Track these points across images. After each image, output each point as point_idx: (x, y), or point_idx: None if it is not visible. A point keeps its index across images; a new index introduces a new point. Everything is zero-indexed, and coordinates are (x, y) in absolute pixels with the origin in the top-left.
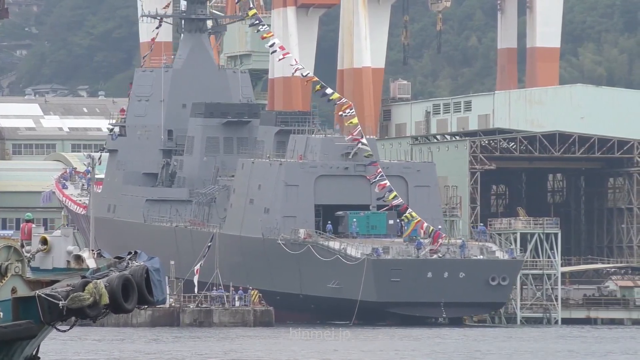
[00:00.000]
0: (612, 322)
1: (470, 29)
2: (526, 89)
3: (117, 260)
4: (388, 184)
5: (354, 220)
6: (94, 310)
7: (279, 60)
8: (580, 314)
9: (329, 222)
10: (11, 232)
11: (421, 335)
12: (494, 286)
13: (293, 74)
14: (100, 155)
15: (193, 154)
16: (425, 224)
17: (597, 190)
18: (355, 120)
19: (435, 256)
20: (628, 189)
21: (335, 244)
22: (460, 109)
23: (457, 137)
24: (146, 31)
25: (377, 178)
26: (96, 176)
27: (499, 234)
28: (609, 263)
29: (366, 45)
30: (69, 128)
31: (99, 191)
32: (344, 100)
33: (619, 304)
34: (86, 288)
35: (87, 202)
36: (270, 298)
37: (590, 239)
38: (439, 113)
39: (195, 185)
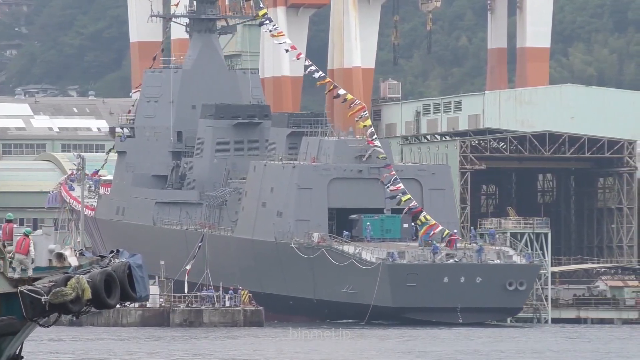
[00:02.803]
0: (602, 322)
1: (461, 29)
2: (516, 89)
3: (99, 258)
4: (402, 186)
5: (368, 223)
6: (76, 305)
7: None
8: (571, 313)
9: (345, 230)
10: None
11: (416, 335)
12: (511, 291)
13: (309, 75)
14: (107, 157)
15: (203, 155)
16: (440, 227)
17: (587, 190)
18: (368, 122)
19: (451, 261)
20: (618, 189)
21: (349, 248)
22: (450, 109)
23: (447, 137)
24: (136, 31)
25: (391, 181)
26: (104, 178)
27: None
28: (599, 263)
29: (356, 45)
30: (59, 128)
31: (107, 193)
32: (357, 102)
33: (609, 303)
34: (68, 283)
35: (94, 203)
36: (283, 302)
37: (580, 239)
38: (429, 113)
39: (205, 188)
